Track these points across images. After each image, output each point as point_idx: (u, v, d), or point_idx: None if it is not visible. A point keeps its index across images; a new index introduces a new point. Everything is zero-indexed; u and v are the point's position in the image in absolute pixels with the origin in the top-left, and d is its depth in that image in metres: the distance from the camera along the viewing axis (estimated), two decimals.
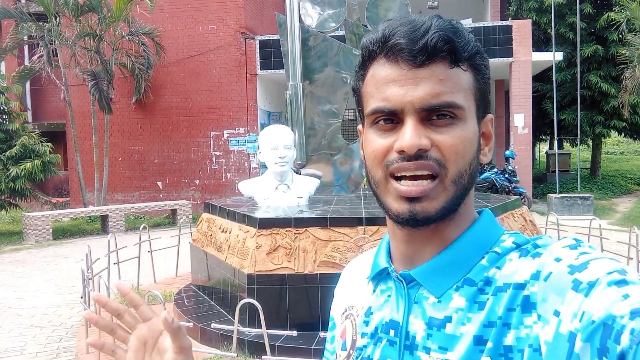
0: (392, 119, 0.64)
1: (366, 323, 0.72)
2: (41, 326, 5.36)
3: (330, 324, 0.85)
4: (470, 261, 0.65)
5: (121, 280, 6.03)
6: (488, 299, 0.61)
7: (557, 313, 0.54)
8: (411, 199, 0.63)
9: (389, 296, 0.71)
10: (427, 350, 0.63)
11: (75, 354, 4.52)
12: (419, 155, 0.62)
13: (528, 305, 0.58)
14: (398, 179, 0.64)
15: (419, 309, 0.66)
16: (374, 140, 0.66)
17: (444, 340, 0.62)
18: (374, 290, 0.74)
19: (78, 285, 6.65)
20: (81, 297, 4.89)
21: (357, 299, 0.77)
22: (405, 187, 0.63)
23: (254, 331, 4.00)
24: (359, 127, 0.74)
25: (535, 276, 0.58)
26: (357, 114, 0.73)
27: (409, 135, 0.61)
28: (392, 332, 0.67)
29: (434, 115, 0.63)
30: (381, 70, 0.65)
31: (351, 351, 0.73)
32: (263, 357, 3.52)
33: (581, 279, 0.54)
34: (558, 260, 0.58)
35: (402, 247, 0.70)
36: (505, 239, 0.66)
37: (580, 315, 0.51)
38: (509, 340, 0.58)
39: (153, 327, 0.70)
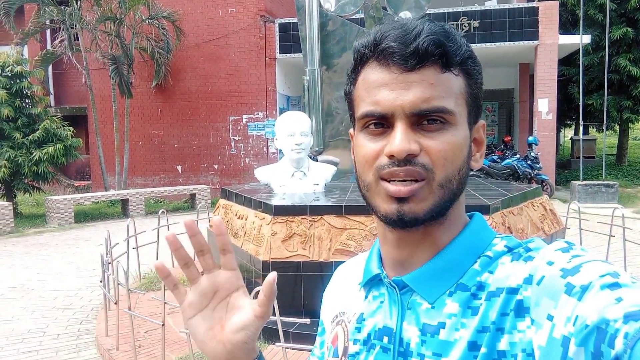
0: (382, 123, 0.64)
1: (358, 329, 0.71)
2: (63, 308, 5.47)
3: (319, 329, 0.84)
4: (463, 266, 0.65)
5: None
6: (481, 304, 0.61)
7: (550, 317, 0.54)
8: (399, 199, 0.63)
9: (382, 302, 0.70)
10: (422, 357, 0.63)
11: (95, 337, 4.60)
12: (408, 160, 0.62)
13: (521, 310, 0.58)
14: (387, 181, 0.64)
15: (412, 315, 0.66)
16: (364, 145, 0.66)
17: (438, 347, 0.62)
18: (366, 297, 0.73)
19: (99, 268, 6.76)
20: (101, 282, 4.96)
21: (349, 305, 0.76)
22: (395, 187, 0.63)
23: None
24: (350, 131, 0.74)
25: (528, 280, 0.58)
26: (349, 117, 0.72)
27: (399, 140, 0.61)
28: (385, 339, 0.67)
29: (424, 120, 0.62)
30: (372, 73, 0.65)
31: (343, 358, 0.72)
32: (276, 343, 3.53)
33: (574, 283, 0.53)
34: (550, 263, 0.57)
35: (393, 252, 0.70)
36: (497, 243, 0.66)
37: (574, 319, 0.51)
38: (502, 345, 0.58)
39: (232, 279, 0.66)
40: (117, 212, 12.19)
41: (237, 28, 13.73)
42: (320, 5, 6.02)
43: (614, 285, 0.51)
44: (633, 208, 11.05)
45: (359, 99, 0.67)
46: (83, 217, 11.56)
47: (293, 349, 3.69)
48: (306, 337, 3.86)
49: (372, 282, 0.73)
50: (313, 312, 4.03)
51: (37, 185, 12.32)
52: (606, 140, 13.69)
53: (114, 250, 5.36)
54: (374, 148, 0.64)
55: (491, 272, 0.63)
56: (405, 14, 6.14)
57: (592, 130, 20.67)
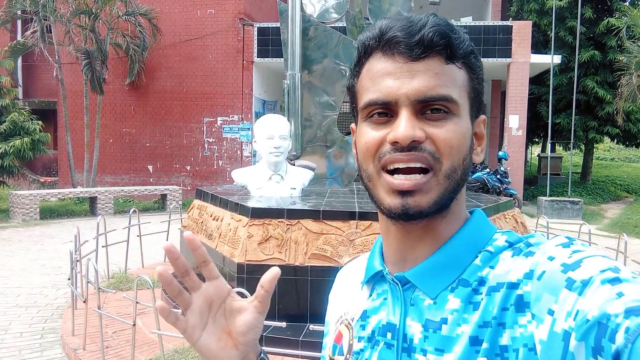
0: (386, 112, 0.64)
1: (362, 327, 0.71)
2: (26, 306, 5.30)
3: (325, 330, 0.83)
4: (464, 261, 0.65)
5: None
6: (482, 299, 0.61)
7: (551, 312, 0.54)
8: (404, 193, 0.62)
9: (385, 299, 0.70)
10: (424, 352, 0.63)
11: (60, 336, 4.46)
12: (413, 147, 0.61)
13: (522, 305, 0.58)
14: (391, 173, 0.64)
15: (415, 311, 0.66)
16: (367, 133, 0.65)
17: (440, 342, 0.62)
18: (370, 294, 0.73)
19: (64, 266, 6.58)
20: (68, 279, 4.83)
21: (352, 304, 0.76)
22: (399, 180, 0.62)
23: None
24: (352, 125, 0.73)
25: (529, 275, 0.58)
26: (351, 111, 0.72)
27: (404, 125, 0.61)
28: (389, 335, 0.67)
29: (428, 109, 0.63)
30: (377, 64, 0.65)
31: (348, 356, 0.72)
32: None
33: (575, 278, 0.54)
34: (551, 259, 0.57)
35: (395, 246, 0.70)
36: (498, 238, 0.66)
37: (575, 314, 0.51)
38: (504, 340, 0.58)
39: (220, 286, 0.67)
40: (85, 210, 11.89)
41: (215, 30, 13.64)
42: (302, 11, 6.05)
43: (615, 280, 0.51)
44: (596, 225, 11.41)
45: (362, 90, 0.67)
46: (49, 213, 11.22)
47: (267, 352, 3.66)
48: (280, 340, 3.84)
49: (374, 279, 0.73)
50: (287, 316, 4.01)
51: (1, 179, 11.92)
52: (572, 158, 14.11)
53: (83, 247, 5.22)
54: (376, 136, 0.64)
55: (492, 267, 0.63)
56: None
57: (559, 148, 21.30)
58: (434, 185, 0.63)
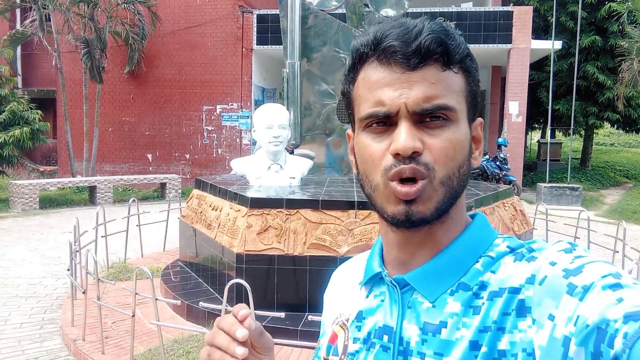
0: (384, 121, 0.64)
1: (358, 328, 0.71)
2: (26, 297, 5.32)
3: (321, 332, 0.82)
4: (465, 265, 0.65)
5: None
6: (483, 303, 0.61)
7: (551, 317, 0.54)
8: (408, 201, 0.63)
9: (382, 301, 0.70)
10: (422, 356, 0.62)
11: (59, 326, 4.49)
12: (412, 158, 0.62)
13: (523, 310, 0.58)
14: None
15: (412, 314, 0.65)
16: (369, 145, 0.65)
17: (440, 346, 0.61)
18: (367, 296, 0.73)
19: (64, 256, 6.60)
20: (68, 270, 4.85)
21: (349, 304, 0.76)
22: (404, 189, 0.63)
23: None
24: (349, 131, 0.73)
25: (530, 280, 0.58)
26: (348, 117, 0.72)
27: (404, 138, 0.61)
28: (385, 338, 0.66)
29: (427, 117, 0.63)
30: (373, 73, 0.64)
31: (343, 357, 0.71)
32: None
33: (576, 283, 0.54)
34: (553, 264, 0.58)
35: (395, 251, 0.70)
36: (500, 243, 0.66)
37: (575, 319, 0.51)
38: (503, 344, 0.58)
39: (265, 339, 0.71)
40: (84, 199, 11.90)
41: (215, 17, 13.54)
42: None
43: (616, 286, 0.52)
44: (595, 211, 11.42)
45: (359, 99, 0.66)
46: (48, 203, 11.24)
47: None
48: (279, 330, 3.86)
49: (373, 281, 0.73)
50: (286, 306, 4.03)
51: (0, 168, 11.93)
52: (572, 144, 14.08)
53: (82, 238, 5.23)
54: (379, 147, 0.64)
55: (493, 272, 0.63)
56: (387, 12, 6.18)
57: (559, 134, 21.24)
58: (431, 192, 0.63)
